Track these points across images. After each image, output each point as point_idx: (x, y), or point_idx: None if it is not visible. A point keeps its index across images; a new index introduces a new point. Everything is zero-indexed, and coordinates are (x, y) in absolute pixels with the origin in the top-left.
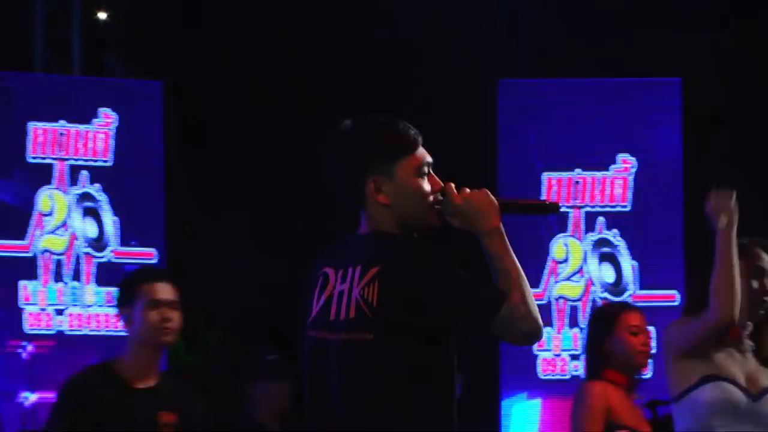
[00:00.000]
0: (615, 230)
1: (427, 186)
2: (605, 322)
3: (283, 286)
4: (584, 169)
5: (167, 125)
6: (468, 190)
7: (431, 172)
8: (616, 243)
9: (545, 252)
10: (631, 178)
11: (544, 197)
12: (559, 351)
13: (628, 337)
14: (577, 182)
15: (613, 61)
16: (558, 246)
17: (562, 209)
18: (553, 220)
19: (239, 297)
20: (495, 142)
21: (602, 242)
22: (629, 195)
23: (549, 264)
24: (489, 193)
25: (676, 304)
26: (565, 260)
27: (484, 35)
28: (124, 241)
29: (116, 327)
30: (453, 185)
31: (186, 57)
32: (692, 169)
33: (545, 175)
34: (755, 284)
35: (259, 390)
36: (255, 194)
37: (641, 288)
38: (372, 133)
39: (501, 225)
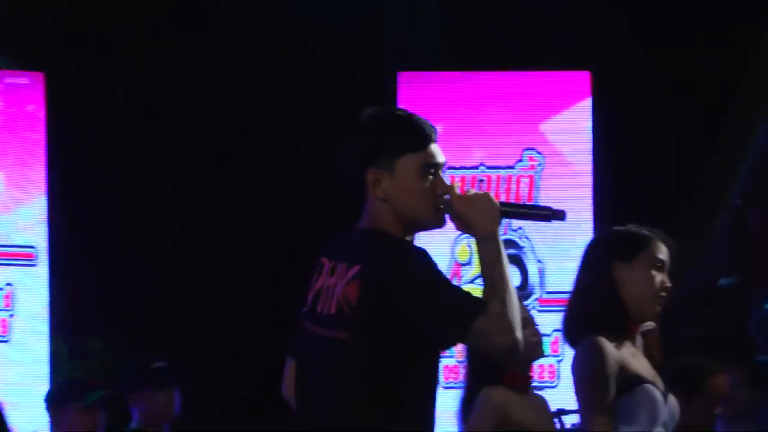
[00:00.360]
0: (521, 230)
1: (427, 186)
2: None
3: (171, 290)
4: (489, 167)
5: (49, 118)
6: (472, 192)
7: (438, 173)
8: (522, 244)
9: (447, 253)
10: (537, 176)
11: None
12: (463, 357)
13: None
14: (482, 180)
15: (520, 53)
16: (461, 247)
17: None
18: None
19: (125, 301)
20: None
21: (507, 243)
22: (536, 194)
23: (451, 266)
24: (491, 197)
25: None
26: (469, 262)
27: (384, 24)
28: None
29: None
30: (457, 186)
31: (68, 46)
32: (602, 165)
33: (448, 173)
34: (658, 278)
35: (145, 398)
36: (142, 191)
37: (547, 291)
38: (380, 124)
39: (497, 231)
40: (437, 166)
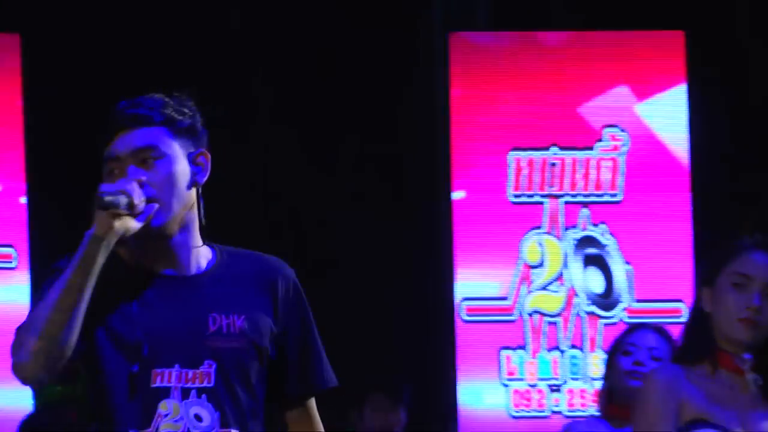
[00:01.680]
0: (603, 226)
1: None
2: (611, 349)
3: None
4: (562, 148)
5: (26, 81)
6: None
7: (118, 167)
8: (604, 242)
9: (515, 254)
10: (622, 159)
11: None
12: (535, 381)
13: (620, 359)
14: (554, 164)
15: (598, 10)
16: (531, 246)
17: (536, 198)
18: (523, 212)
19: None
20: (446, 113)
21: (587, 241)
22: (620, 180)
23: (520, 269)
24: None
25: (682, 320)
26: (541, 264)
27: None
28: None
29: None
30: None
31: (45, 7)
32: (701, 146)
33: (512, 156)
34: (740, 298)
35: None
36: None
37: (638, 300)
38: None
39: (94, 231)
40: (109, 159)
